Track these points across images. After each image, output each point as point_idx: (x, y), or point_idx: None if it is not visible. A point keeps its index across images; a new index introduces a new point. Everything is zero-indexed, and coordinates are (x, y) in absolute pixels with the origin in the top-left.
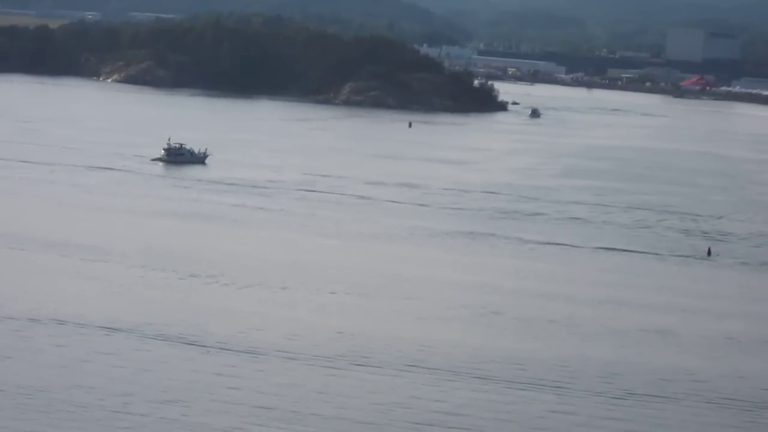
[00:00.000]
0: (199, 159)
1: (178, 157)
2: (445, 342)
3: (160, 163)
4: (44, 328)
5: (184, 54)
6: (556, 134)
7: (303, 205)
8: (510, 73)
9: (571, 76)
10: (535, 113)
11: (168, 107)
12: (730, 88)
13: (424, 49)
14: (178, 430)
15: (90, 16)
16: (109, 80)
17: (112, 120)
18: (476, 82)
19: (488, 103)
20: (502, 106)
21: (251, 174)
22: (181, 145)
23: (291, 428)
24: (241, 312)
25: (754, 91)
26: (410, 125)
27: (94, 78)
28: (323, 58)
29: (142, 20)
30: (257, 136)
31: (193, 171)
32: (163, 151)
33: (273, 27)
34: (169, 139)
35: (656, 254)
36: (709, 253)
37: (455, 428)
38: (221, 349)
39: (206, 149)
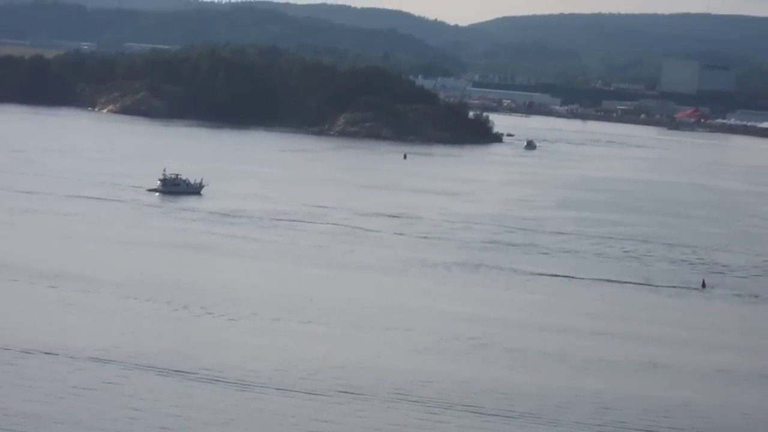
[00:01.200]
0: (194, 189)
1: (174, 187)
2: (437, 374)
3: (156, 194)
4: (35, 360)
5: (179, 85)
6: (550, 166)
7: (297, 236)
8: (505, 104)
9: (566, 107)
10: (530, 145)
11: (163, 138)
12: (725, 120)
13: (420, 81)
14: None
15: (85, 46)
16: (105, 111)
17: (107, 150)
18: (471, 114)
19: (483, 135)
20: (497, 138)
21: (247, 205)
22: (177, 175)
23: None
24: (233, 343)
25: (749, 123)
26: (405, 156)
27: (90, 108)
28: (319, 89)
29: (137, 51)
30: (252, 167)
31: (189, 201)
32: (159, 182)
33: (268, 58)
34: (164, 170)
35: (651, 286)
36: (703, 285)
37: None
38: (213, 380)
39: (202, 180)
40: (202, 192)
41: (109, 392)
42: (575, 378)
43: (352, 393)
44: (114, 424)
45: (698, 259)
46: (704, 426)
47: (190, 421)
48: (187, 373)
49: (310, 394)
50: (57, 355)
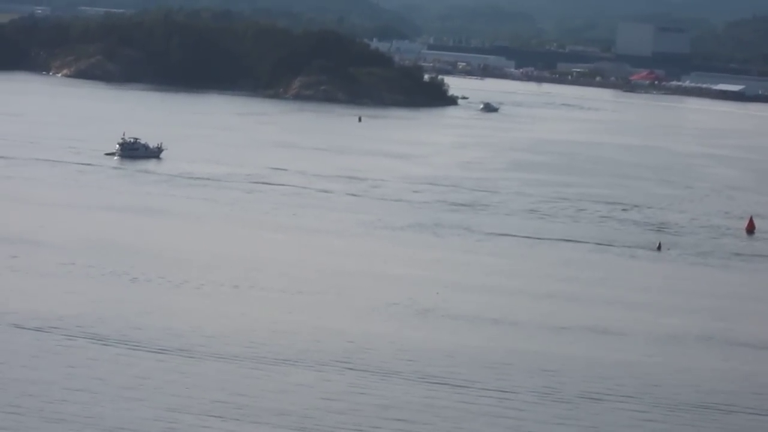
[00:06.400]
0: (153, 153)
1: (132, 151)
2: (383, 340)
3: (115, 158)
4: None
5: (134, 49)
6: (504, 128)
7: (253, 199)
8: (460, 67)
9: (521, 70)
10: (488, 107)
11: (119, 102)
12: (679, 83)
13: (374, 44)
14: None
15: (39, 10)
16: (59, 75)
17: (64, 115)
18: (426, 77)
19: (438, 98)
20: (452, 101)
21: (205, 168)
22: (136, 139)
23: (223, 428)
24: (177, 310)
25: (704, 86)
26: (360, 120)
27: (44, 72)
28: (273, 52)
29: (91, 15)
30: (210, 131)
31: (148, 165)
32: (117, 146)
33: (222, 21)
34: (123, 134)
35: (607, 247)
36: (659, 247)
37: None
38: (154, 349)
39: (161, 144)
40: (161, 156)
41: (49, 361)
42: (524, 342)
43: (295, 360)
44: (53, 393)
45: (652, 220)
46: (656, 392)
47: (133, 391)
48: (129, 341)
49: (253, 361)
50: None
